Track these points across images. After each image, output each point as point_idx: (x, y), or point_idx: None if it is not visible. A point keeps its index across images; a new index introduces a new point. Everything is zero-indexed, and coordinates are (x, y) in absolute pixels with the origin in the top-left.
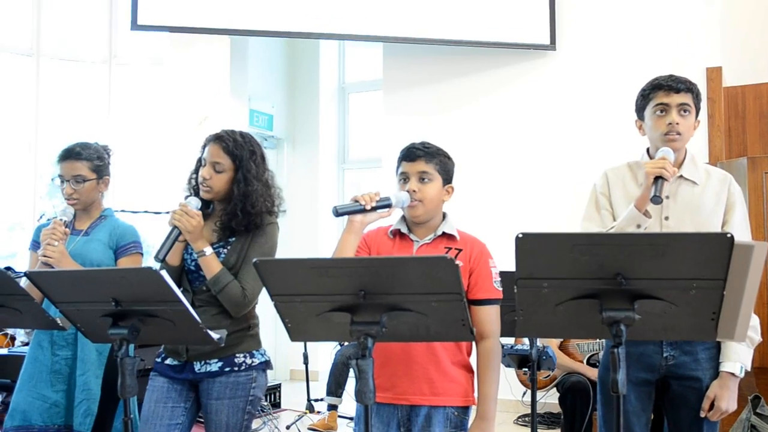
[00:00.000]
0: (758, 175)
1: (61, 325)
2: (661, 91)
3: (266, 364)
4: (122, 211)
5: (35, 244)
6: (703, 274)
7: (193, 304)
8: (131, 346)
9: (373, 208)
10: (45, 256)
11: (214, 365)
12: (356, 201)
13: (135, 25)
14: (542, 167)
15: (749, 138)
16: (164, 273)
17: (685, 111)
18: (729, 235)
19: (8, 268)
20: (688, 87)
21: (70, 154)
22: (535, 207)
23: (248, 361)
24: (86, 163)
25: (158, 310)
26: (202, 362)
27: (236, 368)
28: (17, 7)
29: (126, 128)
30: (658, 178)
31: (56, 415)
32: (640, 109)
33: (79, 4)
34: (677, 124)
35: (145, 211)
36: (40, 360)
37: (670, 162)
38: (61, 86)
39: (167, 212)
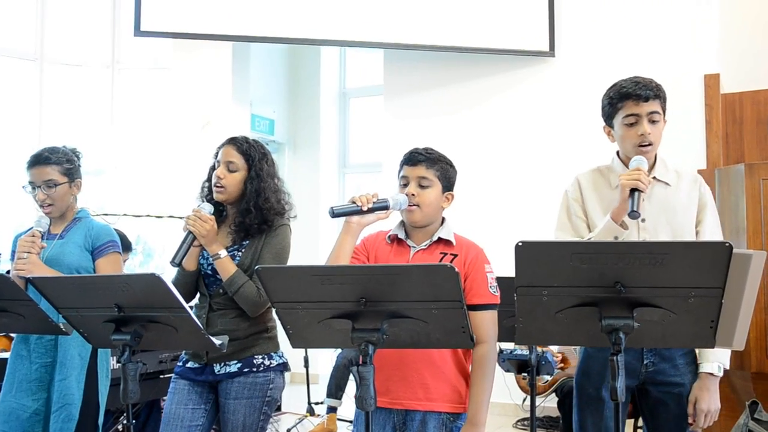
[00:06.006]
0: (756, 181)
1: (64, 330)
2: (629, 101)
3: (284, 366)
4: (125, 215)
5: (14, 255)
6: (702, 283)
7: (210, 308)
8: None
9: (370, 210)
10: (17, 269)
11: (234, 366)
12: (353, 202)
13: (138, 31)
14: (541, 173)
15: (747, 144)
16: (166, 279)
17: (654, 120)
18: (727, 245)
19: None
20: (656, 93)
21: (38, 160)
22: (534, 212)
23: (266, 362)
24: (56, 167)
25: (161, 316)
26: (222, 364)
27: (254, 369)
28: (21, 12)
29: (129, 133)
30: (634, 191)
31: (36, 423)
32: (608, 117)
33: (82, 9)
34: (649, 134)
35: (148, 215)
36: (19, 370)
37: (645, 172)
38: (65, 91)
39: (170, 216)
